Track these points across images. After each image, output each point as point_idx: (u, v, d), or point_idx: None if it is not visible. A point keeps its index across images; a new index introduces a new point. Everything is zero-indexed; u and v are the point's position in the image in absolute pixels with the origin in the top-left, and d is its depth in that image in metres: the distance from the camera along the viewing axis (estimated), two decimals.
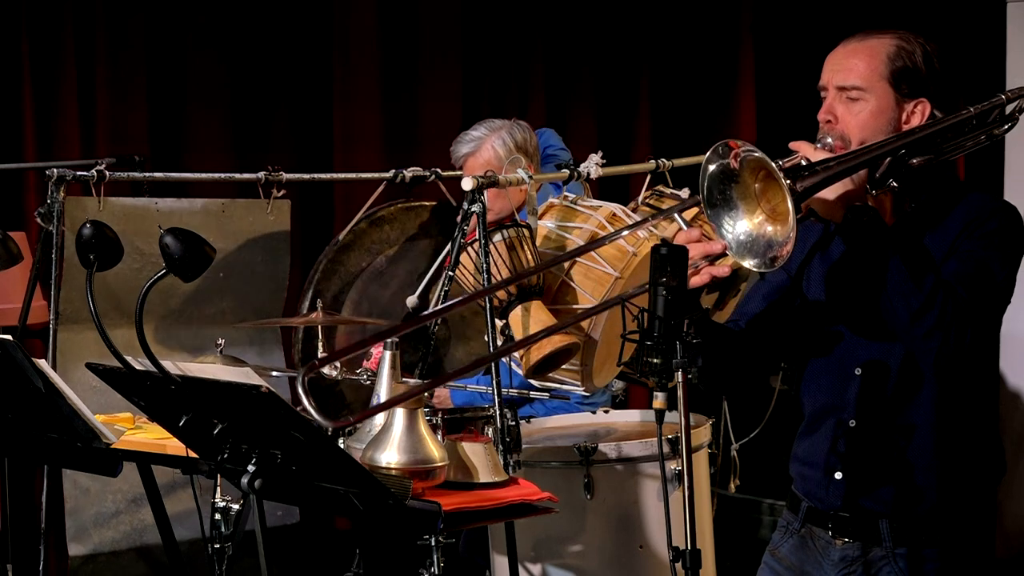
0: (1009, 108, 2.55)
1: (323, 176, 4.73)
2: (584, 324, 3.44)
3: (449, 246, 4.01)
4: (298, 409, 1.98)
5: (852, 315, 2.50)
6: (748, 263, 2.24)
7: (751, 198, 2.24)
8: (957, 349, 2.32)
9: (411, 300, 4.26)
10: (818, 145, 2.40)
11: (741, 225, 2.25)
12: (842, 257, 2.50)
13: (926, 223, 2.45)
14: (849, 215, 2.34)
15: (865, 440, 2.50)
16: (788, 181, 2.18)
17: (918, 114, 2.45)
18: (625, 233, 2.98)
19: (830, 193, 2.32)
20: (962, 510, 2.50)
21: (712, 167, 2.24)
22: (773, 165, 2.19)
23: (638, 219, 3.63)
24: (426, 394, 3.00)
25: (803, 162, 2.33)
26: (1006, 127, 2.54)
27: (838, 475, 2.52)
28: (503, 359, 3.47)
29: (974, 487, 2.51)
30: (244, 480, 2.52)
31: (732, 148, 2.23)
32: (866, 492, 2.49)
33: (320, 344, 3.69)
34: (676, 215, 2.49)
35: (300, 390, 1.94)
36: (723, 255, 2.28)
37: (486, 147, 4.14)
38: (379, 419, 2.92)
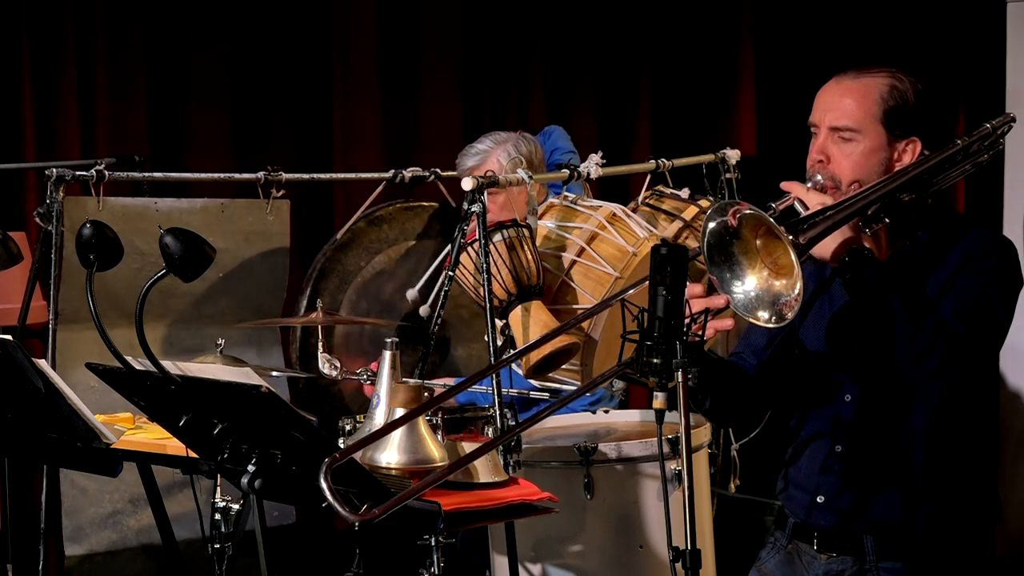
0: (998, 132, 2.56)
1: (323, 176, 4.73)
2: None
3: (449, 246, 4.01)
4: (323, 505, 1.99)
5: (846, 351, 2.50)
6: (758, 319, 2.23)
7: (753, 254, 2.24)
8: (960, 388, 2.34)
9: (411, 293, 4.25)
10: (809, 185, 2.41)
11: (746, 282, 2.24)
12: (839, 297, 2.50)
13: (925, 260, 2.46)
14: (846, 258, 2.35)
15: (851, 466, 2.50)
16: (790, 236, 2.18)
17: (909, 153, 2.46)
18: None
19: (829, 242, 2.32)
20: (950, 532, 2.50)
21: (712, 225, 2.23)
22: (772, 222, 2.19)
23: (638, 218, 3.63)
24: (426, 394, 3.00)
25: (796, 203, 2.33)
26: (988, 156, 2.55)
27: (820, 498, 2.53)
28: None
29: (964, 521, 2.51)
30: (244, 480, 2.52)
31: (732, 207, 2.22)
32: (850, 515, 2.50)
33: (320, 344, 3.69)
34: None
35: (323, 484, 1.93)
36: (726, 308, 2.27)
37: (491, 160, 4.10)
38: (379, 419, 2.93)
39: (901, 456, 2.47)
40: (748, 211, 2.21)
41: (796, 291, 2.18)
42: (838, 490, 2.51)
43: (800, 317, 2.57)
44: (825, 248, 2.34)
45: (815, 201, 2.33)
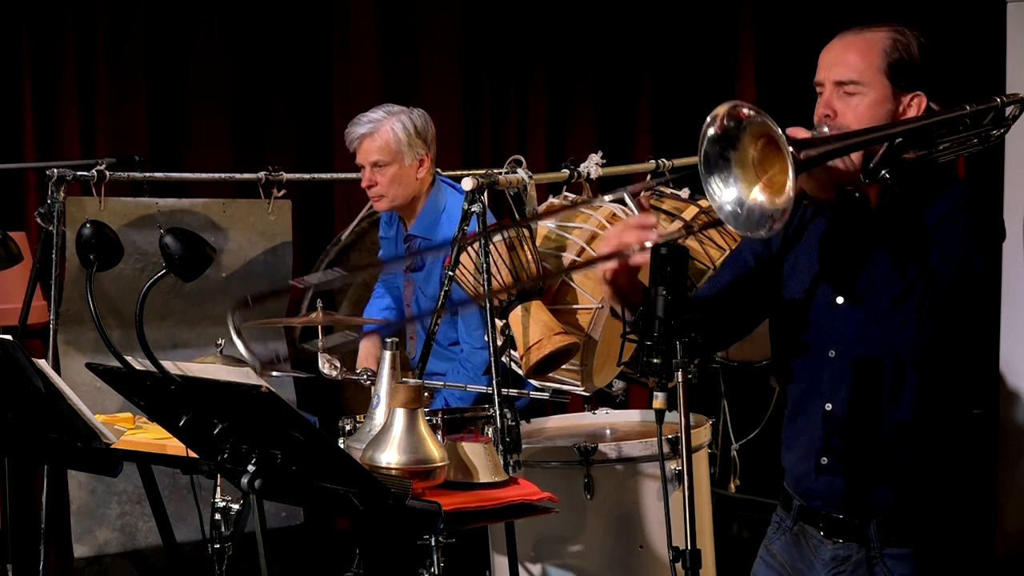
0: (1007, 112, 2.55)
1: (323, 176, 4.74)
2: (584, 324, 3.44)
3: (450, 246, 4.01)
4: (217, 343, 1.96)
5: (830, 298, 2.50)
6: (741, 228, 2.22)
7: (748, 165, 2.23)
8: (932, 340, 2.33)
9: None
10: (814, 133, 2.41)
11: (734, 191, 2.24)
12: (827, 239, 2.50)
13: (910, 208, 2.46)
14: (840, 197, 2.35)
15: (845, 424, 2.50)
16: (791, 148, 2.16)
17: (914, 107, 2.46)
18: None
19: (824, 172, 2.32)
20: (951, 508, 2.50)
21: (712, 130, 2.23)
22: (777, 131, 2.18)
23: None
24: (427, 394, 3.00)
25: None
26: (999, 132, 2.54)
27: (824, 460, 2.52)
28: (503, 359, 3.47)
29: (962, 481, 2.52)
30: (244, 480, 2.52)
31: (736, 113, 2.21)
32: (852, 480, 2.50)
33: (320, 344, 3.69)
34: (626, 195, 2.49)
35: (231, 328, 1.90)
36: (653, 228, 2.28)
37: (384, 129, 4.08)
38: (379, 419, 2.93)
39: (892, 413, 2.46)
40: (753, 113, 2.20)
41: (786, 208, 2.16)
42: (838, 449, 2.51)
43: (788, 258, 2.58)
44: (821, 180, 2.32)
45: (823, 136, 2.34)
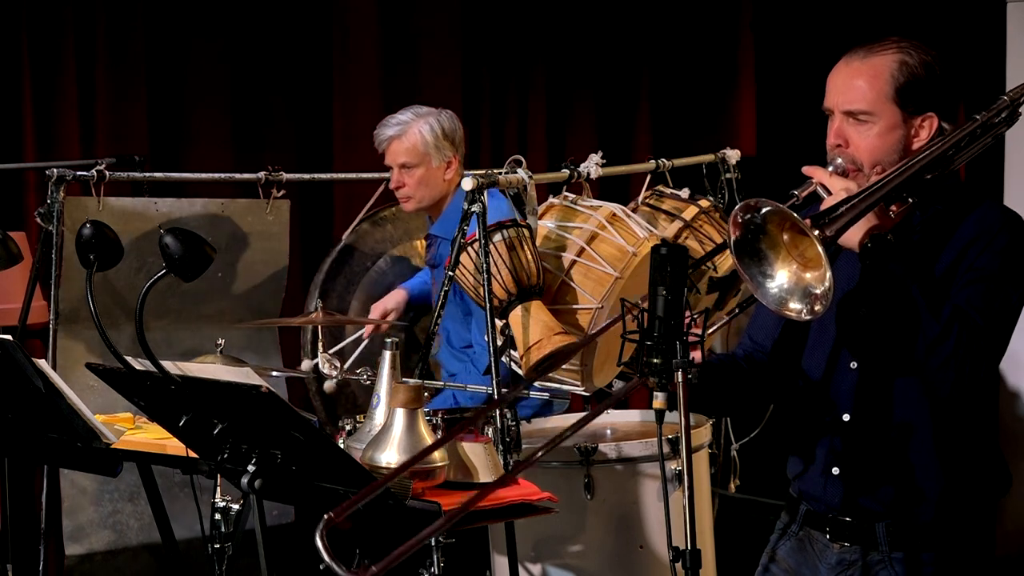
0: (1012, 107, 2.55)
1: (323, 176, 4.74)
2: (584, 324, 3.44)
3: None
4: (321, 568, 1.99)
5: (852, 321, 2.49)
6: (791, 312, 2.23)
7: (780, 248, 2.24)
8: (972, 381, 2.33)
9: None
10: (830, 168, 2.40)
11: (777, 277, 2.25)
12: (845, 269, 2.49)
13: (937, 233, 2.45)
14: (869, 244, 2.34)
15: (860, 436, 2.50)
16: (816, 231, 2.17)
17: (926, 128, 2.44)
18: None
19: (855, 230, 2.31)
20: (961, 518, 2.49)
21: (736, 234, 2.23)
22: (798, 218, 2.18)
23: (638, 218, 3.63)
24: (426, 394, 3.00)
25: (819, 189, 2.33)
26: (1007, 126, 2.54)
27: (835, 470, 2.52)
28: (503, 359, 3.47)
29: (975, 496, 2.51)
30: (244, 480, 2.52)
31: (753, 207, 2.21)
32: (864, 490, 2.49)
33: (321, 344, 3.69)
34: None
35: (319, 544, 1.92)
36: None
37: (412, 131, 4.11)
38: (379, 419, 2.93)
39: (910, 426, 2.45)
40: (772, 208, 2.21)
41: (826, 284, 2.18)
42: (850, 461, 2.50)
43: None
44: (851, 237, 2.33)
45: (838, 186, 2.33)
